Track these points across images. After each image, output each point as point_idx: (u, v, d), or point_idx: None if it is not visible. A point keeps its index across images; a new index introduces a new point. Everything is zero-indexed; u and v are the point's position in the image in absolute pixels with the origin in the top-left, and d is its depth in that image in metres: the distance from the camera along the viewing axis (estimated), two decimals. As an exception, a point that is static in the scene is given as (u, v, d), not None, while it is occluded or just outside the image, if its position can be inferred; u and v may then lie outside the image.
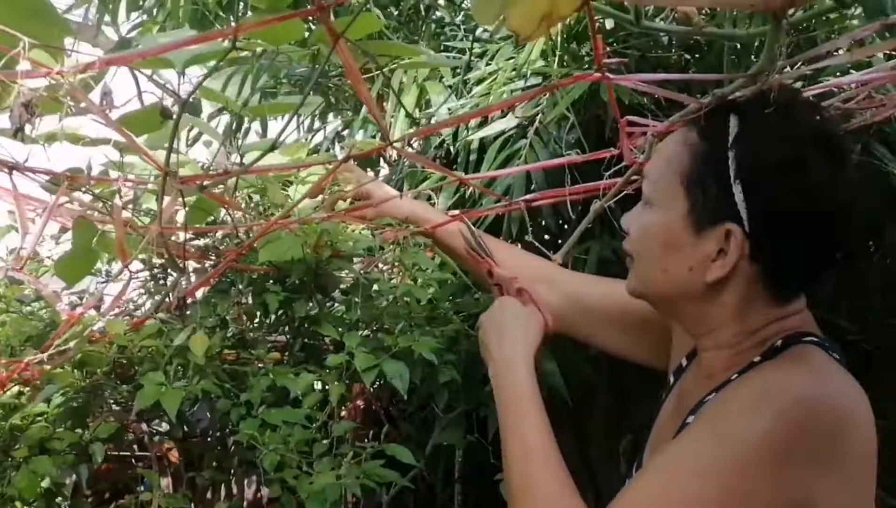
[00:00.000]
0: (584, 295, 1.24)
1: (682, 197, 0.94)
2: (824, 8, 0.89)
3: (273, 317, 1.42)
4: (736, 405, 0.86)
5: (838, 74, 1.52)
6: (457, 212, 1.63)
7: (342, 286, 1.43)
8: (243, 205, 1.41)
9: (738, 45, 1.70)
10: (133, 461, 1.47)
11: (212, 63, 1.09)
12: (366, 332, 1.38)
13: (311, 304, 1.35)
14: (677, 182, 0.95)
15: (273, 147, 0.92)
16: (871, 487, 0.86)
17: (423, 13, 2.44)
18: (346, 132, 2.34)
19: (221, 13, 2.25)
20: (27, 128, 0.77)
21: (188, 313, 1.21)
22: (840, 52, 1.13)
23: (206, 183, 0.99)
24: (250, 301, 1.36)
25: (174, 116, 0.87)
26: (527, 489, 0.96)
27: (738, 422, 0.84)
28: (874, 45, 1.07)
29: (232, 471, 1.38)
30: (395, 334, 1.29)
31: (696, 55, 1.81)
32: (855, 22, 1.49)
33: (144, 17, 2.58)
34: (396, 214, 1.43)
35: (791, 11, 0.73)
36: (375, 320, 1.38)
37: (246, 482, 1.50)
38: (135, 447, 1.45)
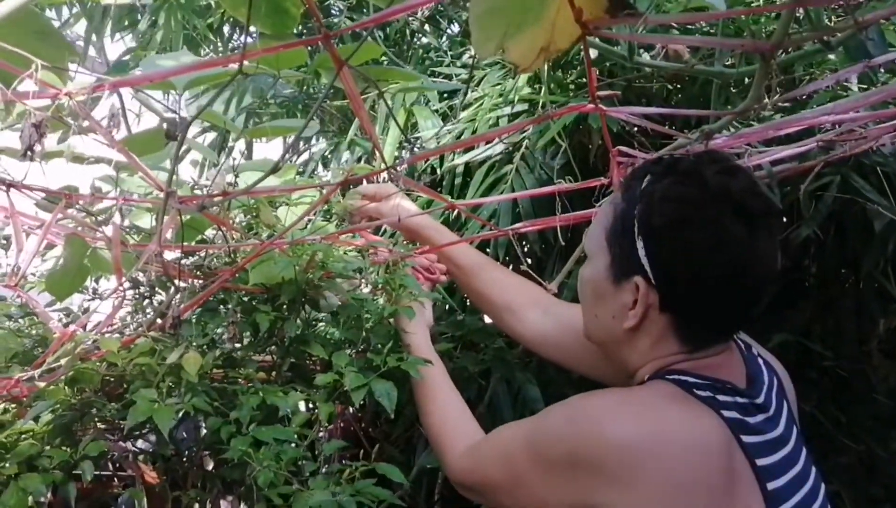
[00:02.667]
0: (576, 323, 1.27)
1: (606, 251, 1.05)
2: (811, 50, 0.93)
3: (261, 336, 1.43)
4: (554, 406, 1.01)
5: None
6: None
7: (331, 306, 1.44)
8: (233, 224, 1.42)
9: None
10: (114, 479, 1.46)
11: (210, 86, 1.11)
12: (349, 351, 1.39)
13: (298, 323, 1.36)
14: (603, 238, 1.06)
15: (275, 169, 0.93)
16: None
17: (409, 38, 2.47)
18: (331, 154, 2.36)
19: (212, 36, 2.27)
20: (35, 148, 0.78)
21: (180, 331, 1.21)
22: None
23: (204, 203, 1.00)
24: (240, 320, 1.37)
25: (178, 138, 0.88)
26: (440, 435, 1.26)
27: (543, 415, 1.02)
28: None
29: (212, 490, 1.38)
30: (384, 353, 1.30)
31: (679, 86, 1.85)
32: (832, 57, 1.54)
33: (130, 39, 2.59)
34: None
35: (778, 52, 0.76)
36: (363, 340, 1.39)
37: (223, 501, 1.49)
38: (112, 466, 1.45)
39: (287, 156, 2.43)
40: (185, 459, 1.39)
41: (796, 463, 0.98)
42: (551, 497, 0.96)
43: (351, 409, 1.65)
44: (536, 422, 1.04)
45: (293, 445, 1.17)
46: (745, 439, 0.92)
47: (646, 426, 0.90)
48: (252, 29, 0.95)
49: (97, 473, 1.41)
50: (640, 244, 0.98)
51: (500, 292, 1.42)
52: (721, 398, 0.95)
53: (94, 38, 2.52)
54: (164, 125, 0.99)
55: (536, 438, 1.00)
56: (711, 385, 0.96)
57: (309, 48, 1.28)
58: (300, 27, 1.91)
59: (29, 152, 0.76)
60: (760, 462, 0.92)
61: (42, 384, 1.13)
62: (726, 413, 0.92)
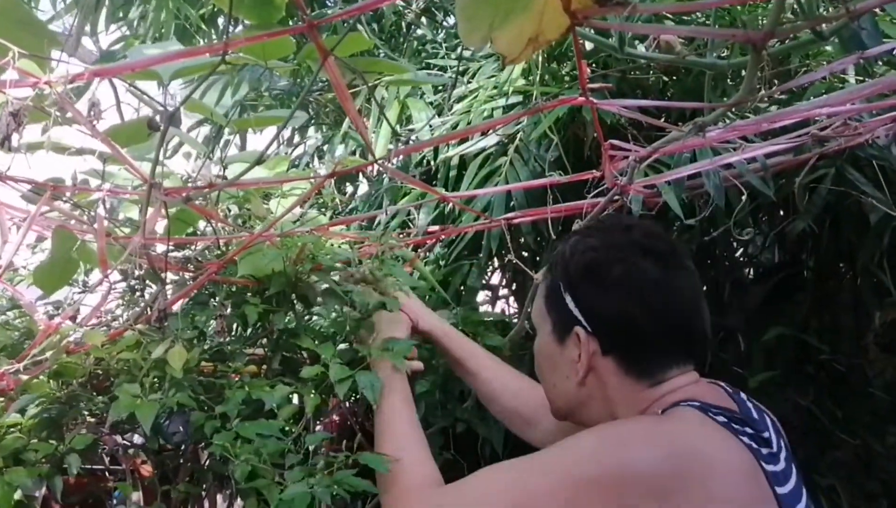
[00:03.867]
0: None
1: (547, 318, 1.11)
2: (803, 40, 0.92)
3: (251, 330, 1.42)
4: (584, 432, 0.96)
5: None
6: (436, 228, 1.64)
7: (319, 299, 1.43)
8: (222, 216, 1.41)
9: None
10: (105, 474, 1.45)
11: (197, 75, 1.09)
12: (343, 345, 1.38)
13: (288, 316, 1.35)
14: (543, 306, 1.12)
15: (260, 161, 0.92)
16: None
17: (404, 30, 2.45)
18: (325, 147, 2.34)
19: (204, 26, 2.25)
20: (13, 137, 0.77)
21: (167, 325, 1.20)
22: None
23: (190, 195, 0.99)
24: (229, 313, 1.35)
25: (161, 129, 0.87)
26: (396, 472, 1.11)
27: (577, 442, 0.94)
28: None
29: (206, 484, 1.37)
30: (369, 344, 1.29)
31: (674, 77, 1.83)
32: (828, 49, 1.52)
33: (125, 30, 2.57)
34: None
35: (771, 42, 0.75)
36: (352, 332, 1.38)
37: (220, 495, 1.48)
38: (106, 460, 1.44)
39: (281, 148, 2.42)
40: (180, 453, 1.38)
41: (800, 501, 0.97)
42: None
43: (348, 403, 1.63)
44: (557, 450, 0.96)
45: (277, 439, 1.15)
46: (764, 466, 0.91)
47: (682, 447, 0.89)
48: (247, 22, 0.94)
49: (90, 467, 1.40)
50: (568, 299, 1.05)
51: (512, 398, 1.40)
52: (735, 425, 0.94)
53: (87, 29, 2.50)
54: (155, 116, 0.98)
55: (561, 464, 0.93)
56: (723, 412, 0.96)
57: (300, 39, 1.27)
58: (294, 19, 1.89)
59: (6, 141, 0.75)
60: (779, 490, 0.91)
61: (26, 378, 1.12)
62: (744, 439, 0.92)
